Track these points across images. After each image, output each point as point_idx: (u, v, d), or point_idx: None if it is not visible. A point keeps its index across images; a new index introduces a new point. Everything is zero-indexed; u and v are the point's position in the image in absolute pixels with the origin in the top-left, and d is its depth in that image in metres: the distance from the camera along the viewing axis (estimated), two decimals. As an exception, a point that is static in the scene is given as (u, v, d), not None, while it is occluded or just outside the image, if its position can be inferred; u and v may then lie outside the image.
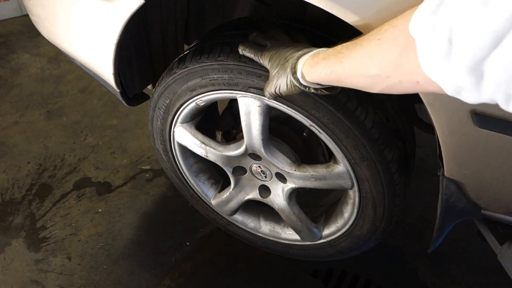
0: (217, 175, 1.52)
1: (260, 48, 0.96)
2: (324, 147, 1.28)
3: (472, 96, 0.52)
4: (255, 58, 0.96)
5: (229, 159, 1.29)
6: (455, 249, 1.66)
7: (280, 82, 0.87)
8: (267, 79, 1.01)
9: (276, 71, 0.88)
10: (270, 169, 1.27)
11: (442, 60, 0.51)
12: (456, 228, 1.15)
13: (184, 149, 1.38)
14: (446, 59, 0.50)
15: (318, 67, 0.75)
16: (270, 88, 0.90)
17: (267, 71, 1.00)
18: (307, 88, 0.82)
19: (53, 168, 1.97)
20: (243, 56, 1.03)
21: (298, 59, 0.83)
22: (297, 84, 0.82)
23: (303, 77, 0.81)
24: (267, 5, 1.37)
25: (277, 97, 0.92)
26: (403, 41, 0.56)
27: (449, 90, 0.53)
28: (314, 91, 0.82)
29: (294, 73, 0.83)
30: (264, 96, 0.98)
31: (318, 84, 0.80)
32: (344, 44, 0.71)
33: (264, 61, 0.93)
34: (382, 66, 0.62)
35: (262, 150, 1.18)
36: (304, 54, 0.83)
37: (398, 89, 0.63)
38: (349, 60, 0.68)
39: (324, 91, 0.82)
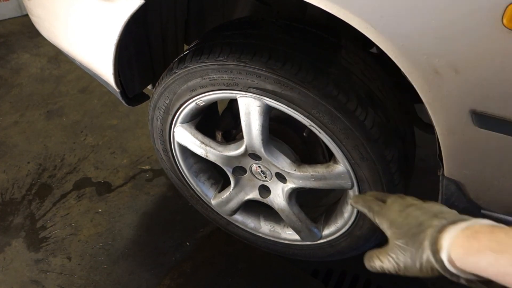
0: (217, 175, 1.52)
1: (377, 203, 0.76)
2: (324, 147, 1.27)
3: None
4: (369, 215, 0.76)
5: (229, 159, 1.29)
6: (455, 249, 1.66)
7: (408, 260, 0.64)
8: (267, 79, 0.98)
9: (402, 241, 0.65)
10: (270, 169, 1.27)
11: None
12: (456, 228, 1.15)
13: (184, 149, 1.38)
14: None
15: (482, 259, 0.54)
16: (387, 265, 0.68)
17: (267, 70, 1.01)
18: (456, 277, 0.59)
19: (53, 168, 1.97)
20: (243, 56, 1.03)
21: (440, 231, 0.60)
22: (439, 268, 0.59)
23: (450, 261, 0.58)
24: (267, 5, 1.38)
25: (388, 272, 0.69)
26: None
27: None
28: (465, 283, 0.60)
29: (435, 252, 0.59)
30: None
31: (474, 275, 0.57)
32: None
33: (382, 222, 0.72)
34: None
35: (262, 150, 1.18)
36: (449, 225, 0.61)
37: None
38: None
39: (482, 285, 0.59)
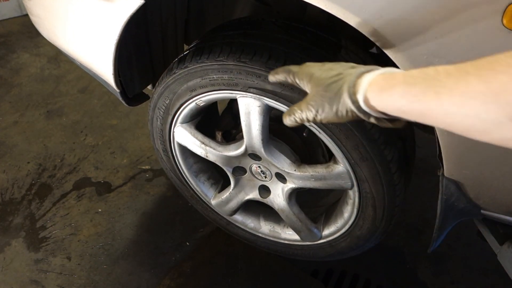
0: (217, 175, 1.52)
1: (295, 66, 0.77)
2: (324, 147, 1.27)
3: None
4: (290, 78, 0.77)
5: (229, 159, 1.29)
6: (455, 249, 1.66)
7: (326, 105, 0.68)
8: (267, 79, 0.98)
9: (320, 89, 0.69)
10: (270, 169, 1.27)
11: None
12: (456, 228, 1.15)
13: (184, 149, 1.38)
14: None
15: (394, 92, 0.57)
16: (306, 113, 0.72)
17: (267, 70, 1.01)
18: (367, 116, 0.64)
19: (53, 168, 1.97)
20: (243, 56, 1.03)
21: (358, 77, 0.64)
22: (355, 109, 0.64)
23: (366, 101, 0.62)
24: (267, 5, 1.37)
25: (310, 123, 0.74)
26: None
27: None
28: (375, 121, 0.65)
29: (352, 94, 0.63)
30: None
31: (384, 113, 0.62)
32: (442, 68, 0.53)
33: (303, 77, 0.74)
34: None
35: (262, 150, 1.18)
36: (367, 72, 0.64)
37: None
38: (454, 93, 0.50)
39: (388, 122, 0.65)
